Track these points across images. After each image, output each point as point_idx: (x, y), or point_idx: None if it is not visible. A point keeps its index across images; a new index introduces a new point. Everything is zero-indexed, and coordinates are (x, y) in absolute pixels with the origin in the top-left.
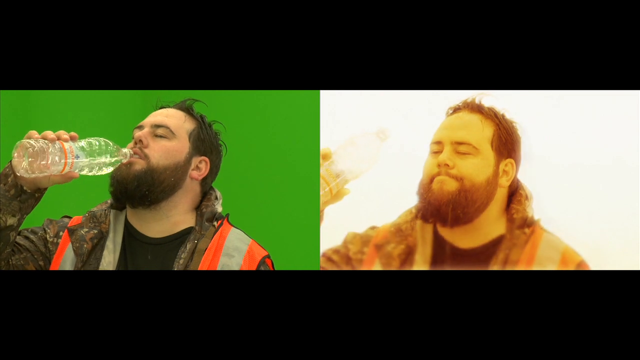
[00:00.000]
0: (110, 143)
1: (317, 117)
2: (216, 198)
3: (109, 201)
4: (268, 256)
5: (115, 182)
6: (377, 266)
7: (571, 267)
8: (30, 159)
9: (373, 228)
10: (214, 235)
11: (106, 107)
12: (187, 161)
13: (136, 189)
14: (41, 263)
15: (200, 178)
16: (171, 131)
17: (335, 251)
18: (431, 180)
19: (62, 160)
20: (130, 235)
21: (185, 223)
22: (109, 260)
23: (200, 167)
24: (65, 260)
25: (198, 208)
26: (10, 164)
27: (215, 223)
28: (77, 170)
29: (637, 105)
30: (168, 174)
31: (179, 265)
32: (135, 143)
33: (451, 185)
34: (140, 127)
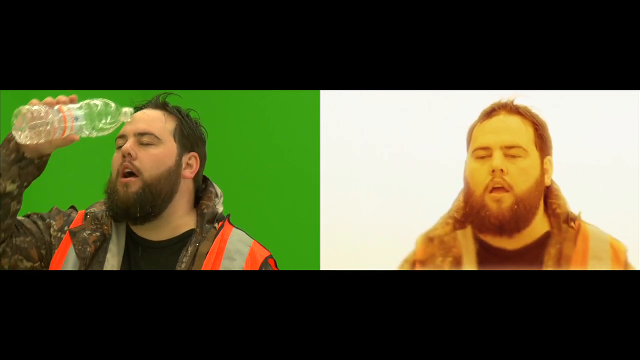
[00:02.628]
0: (112, 104)
1: (317, 117)
2: (217, 196)
3: None
4: (270, 256)
5: (114, 206)
6: None
7: (622, 257)
8: (29, 126)
9: None
10: (215, 238)
11: None
12: (178, 163)
13: (140, 211)
14: (43, 252)
15: (193, 175)
16: (156, 137)
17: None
18: (486, 189)
19: (62, 125)
20: (132, 239)
21: (186, 225)
22: (112, 264)
23: (191, 163)
24: (67, 262)
25: (198, 207)
26: None
27: (216, 225)
28: (77, 133)
29: (637, 105)
30: (163, 182)
31: (180, 269)
32: (123, 156)
33: (508, 201)
34: (123, 137)
